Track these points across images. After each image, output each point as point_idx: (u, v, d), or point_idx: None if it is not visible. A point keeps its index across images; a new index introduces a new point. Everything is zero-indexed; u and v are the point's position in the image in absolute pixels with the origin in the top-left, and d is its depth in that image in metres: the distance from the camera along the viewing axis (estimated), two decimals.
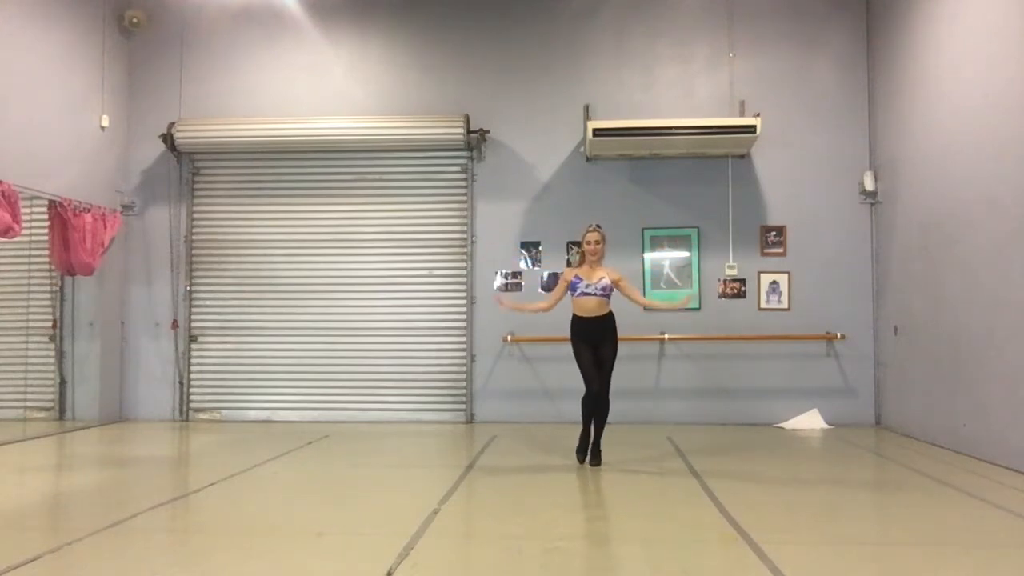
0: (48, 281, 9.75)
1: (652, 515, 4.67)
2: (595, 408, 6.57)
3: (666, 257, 9.71)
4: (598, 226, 6.77)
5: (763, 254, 9.64)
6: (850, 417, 9.37)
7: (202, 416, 10.02)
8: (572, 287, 6.66)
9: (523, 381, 9.65)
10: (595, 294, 6.57)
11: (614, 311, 6.70)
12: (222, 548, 4.39)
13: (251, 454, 7.39)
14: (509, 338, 9.65)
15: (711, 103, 9.67)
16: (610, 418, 6.72)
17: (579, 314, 6.63)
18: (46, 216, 8.82)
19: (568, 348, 6.74)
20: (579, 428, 6.80)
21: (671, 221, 9.69)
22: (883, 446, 8.09)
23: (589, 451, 6.69)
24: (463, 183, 9.95)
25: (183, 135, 9.83)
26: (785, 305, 9.57)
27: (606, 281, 6.61)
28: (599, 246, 6.65)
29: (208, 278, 10.14)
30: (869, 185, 9.43)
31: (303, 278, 10.01)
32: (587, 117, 9.45)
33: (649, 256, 9.67)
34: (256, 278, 10.06)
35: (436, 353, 9.87)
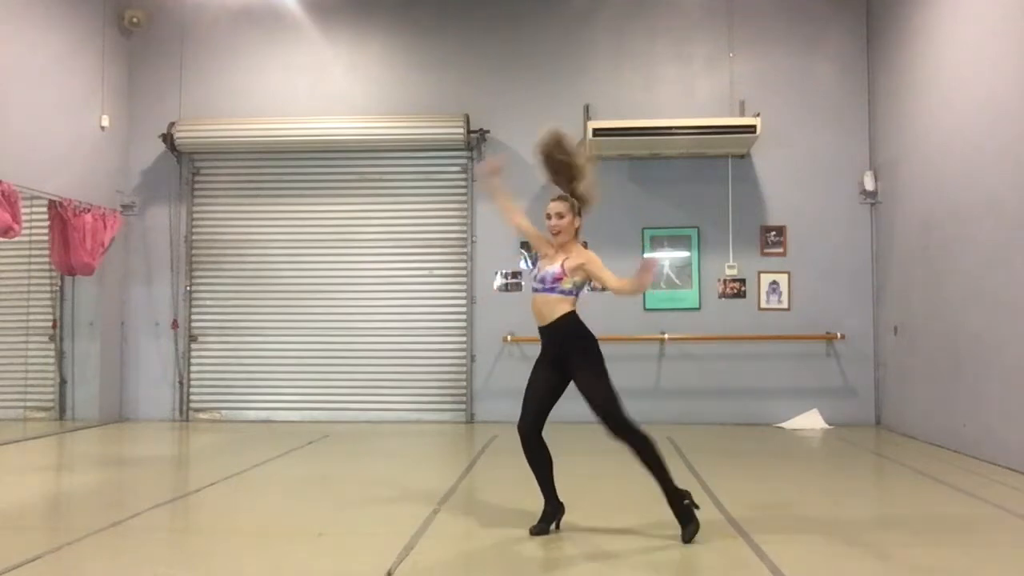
0: (48, 281, 9.75)
1: (652, 514, 4.67)
2: (527, 452, 4.64)
3: (666, 257, 9.71)
4: (562, 197, 4.71)
5: (763, 254, 9.64)
6: (850, 417, 9.37)
7: (202, 416, 10.01)
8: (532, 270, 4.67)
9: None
10: (538, 289, 4.62)
11: (581, 313, 4.71)
12: (222, 548, 4.39)
13: (251, 454, 7.38)
14: (509, 338, 9.64)
15: (711, 103, 9.67)
16: None
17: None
18: (46, 216, 8.81)
19: None
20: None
21: (671, 221, 9.69)
22: (883, 446, 8.09)
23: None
24: (463, 183, 9.95)
25: (183, 135, 9.83)
26: (785, 305, 9.57)
27: (555, 269, 4.53)
28: (561, 221, 4.59)
29: (208, 278, 10.14)
30: (869, 185, 9.43)
31: (303, 278, 10.00)
32: (587, 117, 9.45)
33: (649, 256, 9.68)
34: (256, 278, 10.06)
35: (436, 353, 9.86)
